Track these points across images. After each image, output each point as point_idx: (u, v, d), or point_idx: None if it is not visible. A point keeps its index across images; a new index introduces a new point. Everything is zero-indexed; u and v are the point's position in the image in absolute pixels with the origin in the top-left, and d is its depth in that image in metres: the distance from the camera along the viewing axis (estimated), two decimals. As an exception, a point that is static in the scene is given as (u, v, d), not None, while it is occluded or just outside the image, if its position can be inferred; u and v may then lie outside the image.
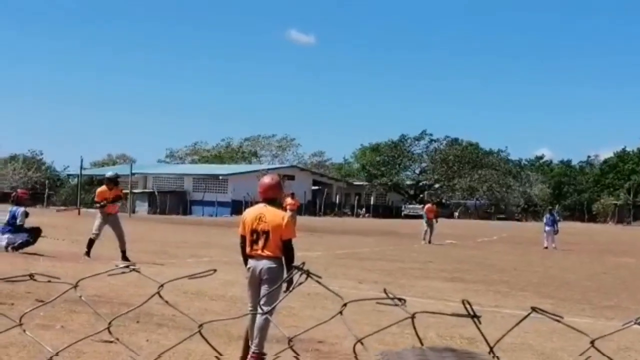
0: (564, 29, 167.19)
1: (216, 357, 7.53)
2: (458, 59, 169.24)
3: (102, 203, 20.49)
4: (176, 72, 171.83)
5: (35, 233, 21.12)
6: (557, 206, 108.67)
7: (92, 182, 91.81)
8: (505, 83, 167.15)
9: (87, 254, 20.00)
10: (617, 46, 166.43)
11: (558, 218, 43.88)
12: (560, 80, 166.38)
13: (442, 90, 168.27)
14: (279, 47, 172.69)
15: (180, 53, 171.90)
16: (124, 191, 25.72)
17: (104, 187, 21.06)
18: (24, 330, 2.51)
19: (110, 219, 20.52)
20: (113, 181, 21.50)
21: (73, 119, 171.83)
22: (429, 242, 38.67)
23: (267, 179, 10.05)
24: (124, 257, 19.62)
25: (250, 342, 9.27)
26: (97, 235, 20.44)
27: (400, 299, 1.58)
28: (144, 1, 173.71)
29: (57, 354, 2.50)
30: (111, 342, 9.33)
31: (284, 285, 9.23)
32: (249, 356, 9.11)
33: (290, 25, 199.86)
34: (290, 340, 2.09)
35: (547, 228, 40.23)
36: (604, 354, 1.78)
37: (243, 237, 9.63)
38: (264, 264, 9.35)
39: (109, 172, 24.56)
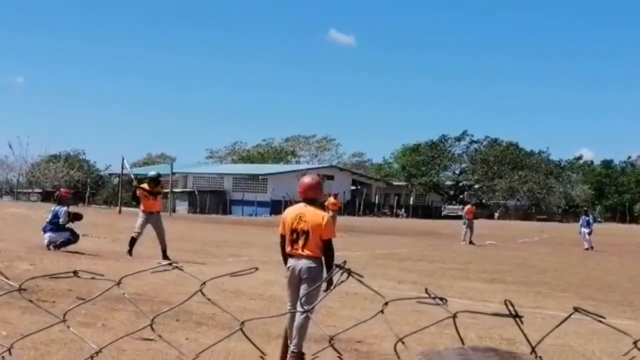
0: (602, 28, 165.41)
1: (260, 357, 7.54)
2: (499, 60, 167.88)
3: (140, 189, 20.78)
4: (218, 75, 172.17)
5: (76, 219, 21.22)
6: (598, 207, 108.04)
7: (134, 181, 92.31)
8: (546, 84, 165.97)
9: (129, 252, 20.06)
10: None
11: (599, 219, 43.86)
12: (601, 81, 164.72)
13: (483, 91, 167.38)
14: (320, 48, 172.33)
15: (223, 56, 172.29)
16: (165, 190, 25.72)
17: (144, 185, 21.15)
18: (68, 327, 2.52)
19: (152, 218, 20.55)
20: (155, 181, 21.57)
21: (115, 118, 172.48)
22: (470, 242, 38.63)
23: (307, 179, 10.05)
24: (165, 256, 19.66)
25: (289, 342, 9.28)
26: (139, 234, 20.45)
27: (441, 299, 1.57)
28: (195, 5, 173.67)
29: (99, 352, 2.51)
30: (151, 340, 9.39)
31: (324, 285, 9.23)
32: (288, 355, 9.13)
33: (331, 26, 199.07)
34: (331, 338, 2.09)
35: (582, 229, 40.51)
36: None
37: (283, 237, 9.64)
38: (304, 263, 9.35)
39: (151, 172, 24.53)
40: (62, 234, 20.74)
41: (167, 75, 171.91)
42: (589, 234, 39.92)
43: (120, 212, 58.48)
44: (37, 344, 8.82)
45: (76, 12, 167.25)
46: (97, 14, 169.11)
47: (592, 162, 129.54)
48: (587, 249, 38.70)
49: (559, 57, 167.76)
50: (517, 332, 1.64)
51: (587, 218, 40.91)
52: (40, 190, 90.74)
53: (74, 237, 20.85)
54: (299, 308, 9.12)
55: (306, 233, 9.39)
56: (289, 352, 9.14)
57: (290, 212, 9.82)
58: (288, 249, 9.55)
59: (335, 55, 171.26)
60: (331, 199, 39.60)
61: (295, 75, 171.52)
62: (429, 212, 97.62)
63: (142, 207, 20.85)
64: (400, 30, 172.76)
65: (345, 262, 2.07)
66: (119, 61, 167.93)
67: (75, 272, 2.06)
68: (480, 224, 41.66)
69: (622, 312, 15.63)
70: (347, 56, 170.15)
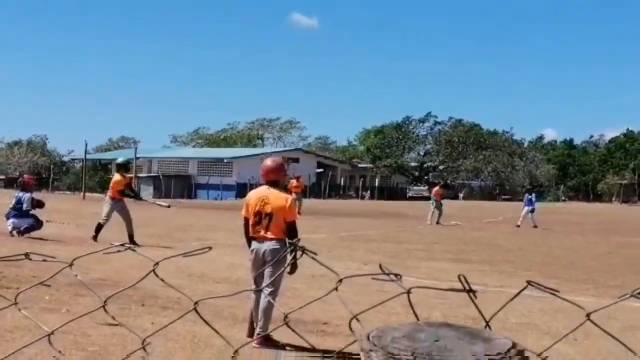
0: (562, 7, 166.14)
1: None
2: (461, 41, 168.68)
3: (132, 193, 20.82)
4: (177, 59, 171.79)
5: (39, 206, 21.20)
6: (561, 186, 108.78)
7: (96, 167, 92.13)
8: (509, 65, 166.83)
9: (95, 238, 20.10)
10: (621, 29, 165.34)
11: (563, 198, 44.23)
12: (563, 61, 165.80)
13: (447, 72, 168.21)
14: (283, 31, 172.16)
15: (183, 40, 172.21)
16: (129, 175, 25.80)
17: (118, 177, 21.13)
18: (19, 310, 2.51)
19: (119, 205, 20.60)
20: (124, 167, 21.76)
21: (75, 104, 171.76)
22: (437, 222, 38.91)
23: (269, 162, 10.04)
24: (132, 242, 19.61)
25: (255, 324, 9.30)
26: (106, 220, 20.55)
27: (396, 275, 1.57)
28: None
29: (52, 333, 2.50)
30: (116, 324, 9.36)
31: (289, 267, 9.26)
32: (254, 337, 9.13)
33: (294, 9, 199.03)
34: (285, 316, 2.09)
35: (525, 208, 41.10)
36: (601, 328, 1.78)
37: (246, 219, 9.66)
38: (268, 245, 9.36)
39: (119, 157, 24.50)
40: (26, 220, 20.75)
41: (127, 60, 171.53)
42: (532, 211, 40.48)
43: (84, 197, 58.21)
44: (1, 331, 8.78)
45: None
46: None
47: (555, 141, 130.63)
48: (535, 226, 39.19)
49: (520, 38, 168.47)
50: (483, 310, 1.65)
51: (530, 197, 41.53)
52: (3, 177, 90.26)
53: (37, 223, 20.86)
54: (264, 290, 9.14)
55: (269, 215, 9.41)
56: (255, 333, 9.15)
57: (253, 195, 9.83)
58: (251, 231, 9.55)
59: (298, 38, 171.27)
60: (293, 182, 39.76)
61: (259, 59, 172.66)
62: (394, 193, 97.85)
63: (110, 193, 20.88)
64: (363, 12, 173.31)
65: (299, 239, 2.08)
66: (80, 47, 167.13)
67: (26, 255, 2.05)
68: (445, 204, 41.80)
69: (586, 290, 15.76)
70: (310, 39, 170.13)
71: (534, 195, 42.66)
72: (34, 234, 20.60)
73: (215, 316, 9.91)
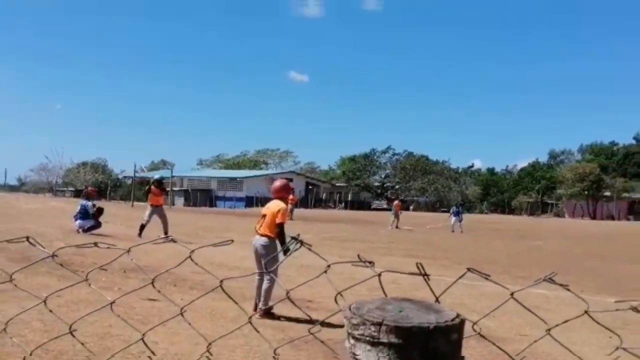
0: (482, 67, 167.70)
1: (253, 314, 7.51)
2: (414, 92, 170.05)
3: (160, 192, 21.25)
4: (210, 103, 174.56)
5: (99, 214, 21.29)
6: (484, 203, 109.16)
7: (143, 182, 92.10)
8: (445, 110, 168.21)
9: (140, 235, 20.17)
10: (518, 83, 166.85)
11: (485, 211, 44.25)
12: (488, 109, 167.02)
13: (403, 116, 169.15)
14: (283, 85, 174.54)
15: (212, 89, 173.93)
16: (167, 189, 26.40)
17: (152, 187, 21.37)
18: (89, 285, 2.49)
19: (157, 210, 20.92)
20: (158, 182, 21.80)
21: (129, 134, 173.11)
22: (396, 227, 39.09)
23: (277, 183, 9.99)
24: (166, 238, 19.62)
25: (257, 301, 9.27)
26: (148, 221, 20.75)
27: (370, 262, 1.56)
28: (188, 51, 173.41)
29: (114, 302, 2.48)
30: (155, 300, 9.32)
31: (281, 256, 9.27)
32: (257, 310, 9.11)
33: (290, 68, 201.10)
34: (287, 292, 2.07)
35: (453, 218, 41.12)
36: (522, 304, 1.77)
37: None
38: (259, 240, 9.39)
39: (155, 175, 24.86)
40: (89, 221, 20.87)
41: (169, 103, 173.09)
42: (460, 221, 40.42)
43: (132, 205, 58.15)
44: (68, 303, 8.72)
45: (94, 47, 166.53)
46: (117, 47, 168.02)
47: (480, 169, 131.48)
48: (453, 231, 39.14)
49: (448, 94, 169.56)
50: (428, 294, 1.64)
51: (457, 209, 41.61)
52: (72, 189, 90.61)
53: (97, 224, 21.05)
54: (264, 276, 9.13)
55: (265, 217, 9.44)
56: (258, 308, 9.12)
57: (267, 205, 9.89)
58: (255, 230, 9.59)
59: (293, 89, 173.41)
60: (290, 196, 39.83)
61: (266, 103, 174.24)
62: (362, 205, 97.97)
63: (149, 201, 21.17)
64: (341, 71, 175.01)
65: (299, 234, 2.06)
66: (125, 89, 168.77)
67: (95, 243, 2.04)
68: (400, 214, 41.94)
69: (503, 279, 15.75)
70: (302, 90, 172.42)
71: (460, 207, 42.94)
72: (95, 231, 20.68)
73: (229, 295, 9.86)
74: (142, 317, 8.42)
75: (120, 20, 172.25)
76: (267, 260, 9.13)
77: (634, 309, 1.48)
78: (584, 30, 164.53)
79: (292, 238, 2.02)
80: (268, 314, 9.03)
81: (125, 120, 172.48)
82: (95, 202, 21.91)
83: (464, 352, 1.31)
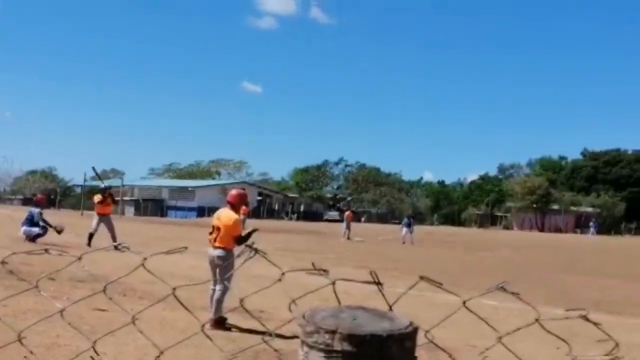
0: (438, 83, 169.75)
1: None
2: (365, 104, 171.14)
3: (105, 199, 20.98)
4: (162, 108, 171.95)
5: (58, 230, 21.01)
6: (435, 215, 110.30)
7: (92, 191, 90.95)
8: (398, 121, 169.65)
9: (88, 244, 19.98)
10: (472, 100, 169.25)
11: (435, 222, 44.78)
12: (438, 121, 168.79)
13: (355, 127, 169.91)
14: (237, 95, 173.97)
15: (166, 98, 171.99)
16: (117, 198, 26.52)
17: (98, 196, 21.35)
18: (40, 291, 2.44)
19: (104, 219, 20.73)
20: (102, 190, 21.64)
21: (79, 141, 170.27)
22: (348, 238, 39.09)
23: (234, 191, 10.15)
24: (116, 248, 19.43)
25: (209, 311, 9.21)
26: (96, 230, 20.61)
27: (324, 270, 1.57)
28: (140, 58, 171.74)
29: (64, 309, 2.43)
30: (104, 310, 9.18)
31: (237, 263, 9.25)
32: (208, 321, 9.04)
33: (243, 78, 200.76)
34: (241, 300, 2.06)
35: (404, 229, 40.81)
36: (474, 313, 1.79)
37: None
38: (216, 252, 9.38)
39: (105, 183, 24.70)
40: (35, 229, 20.53)
41: (119, 110, 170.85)
42: (411, 232, 40.18)
43: (82, 214, 57.42)
44: (16, 312, 8.57)
45: (44, 55, 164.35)
46: (62, 55, 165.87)
47: (431, 181, 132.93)
48: (404, 243, 39.00)
49: (400, 106, 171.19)
50: (379, 304, 1.65)
51: (408, 221, 41.64)
52: (21, 197, 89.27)
53: (43, 231, 20.69)
54: (217, 285, 9.09)
55: (219, 229, 9.40)
56: (209, 318, 9.06)
57: (215, 214, 9.87)
58: (209, 240, 9.55)
59: (247, 100, 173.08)
60: (242, 207, 39.62)
61: (220, 113, 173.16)
62: (315, 216, 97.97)
63: (96, 210, 21.10)
64: (294, 82, 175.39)
65: (253, 242, 2.06)
66: (76, 97, 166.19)
67: (46, 250, 2.00)
68: (352, 225, 42.04)
69: (453, 290, 15.90)
70: (256, 101, 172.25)
71: (412, 219, 43.10)
72: (41, 240, 20.32)
73: (179, 305, 9.75)
74: (90, 327, 8.28)
75: (67, 27, 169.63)
76: (223, 271, 9.11)
77: (584, 317, 1.50)
78: (533, 46, 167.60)
79: (247, 246, 2.01)
80: (219, 324, 8.97)
81: (76, 128, 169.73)
82: (44, 210, 21.56)
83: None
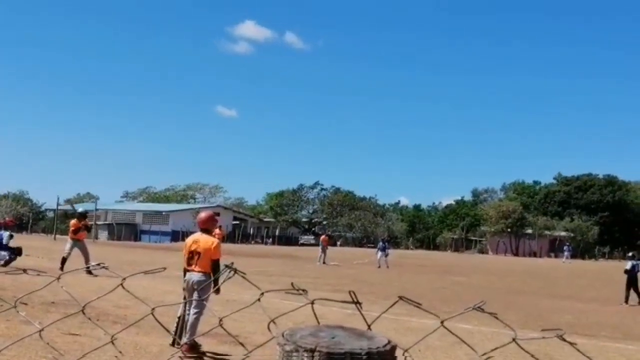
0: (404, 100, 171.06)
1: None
2: (339, 130, 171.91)
3: (80, 228, 20.86)
4: (138, 132, 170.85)
5: (17, 251, 20.65)
6: (410, 239, 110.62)
7: (66, 215, 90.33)
8: (372, 146, 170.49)
9: (61, 268, 19.69)
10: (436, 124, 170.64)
11: (411, 247, 44.97)
12: (410, 145, 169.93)
13: (330, 152, 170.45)
14: (211, 119, 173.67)
15: (138, 117, 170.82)
16: (90, 223, 26.56)
17: (74, 220, 21.19)
18: (17, 311, 2.42)
19: (78, 244, 20.62)
20: (83, 216, 21.75)
21: (51, 164, 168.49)
22: (324, 262, 38.96)
23: (203, 214, 10.01)
24: (89, 272, 19.28)
25: (184, 334, 9.12)
26: (69, 254, 20.42)
27: (303, 290, 1.58)
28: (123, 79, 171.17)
29: (42, 330, 2.41)
30: (77, 334, 9.08)
31: (213, 294, 9.18)
32: (182, 345, 8.95)
33: (218, 102, 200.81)
34: (220, 320, 2.06)
35: (379, 253, 40.96)
36: (454, 334, 1.80)
37: (185, 256, 9.58)
38: (196, 277, 9.30)
39: (79, 209, 24.63)
40: (4, 253, 20.16)
41: (93, 132, 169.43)
42: (386, 256, 40.31)
43: (55, 238, 56.88)
44: (-14, 339, 8.43)
45: (15, 76, 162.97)
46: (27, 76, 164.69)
47: (407, 206, 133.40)
48: (379, 267, 39.08)
49: (374, 130, 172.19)
50: (356, 323, 1.65)
51: (383, 245, 41.77)
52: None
53: (13, 255, 20.28)
54: (192, 310, 9.01)
55: (199, 254, 9.34)
56: (182, 343, 8.97)
57: (190, 239, 9.81)
58: (186, 265, 9.48)
59: (222, 124, 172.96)
60: (217, 230, 39.38)
61: (195, 137, 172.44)
62: (290, 241, 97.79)
63: (71, 235, 20.88)
64: (269, 107, 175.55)
65: (232, 262, 2.06)
66: (50, 119, 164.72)
67: (24, 270, 1.98)
68: (328, 249, 41.98)
69: (426, 315, 15.92)
70: (231, 125, 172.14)
71: (387, 243, 43.17)
72: (13, 264, 19.99)
73: (152, 329, 9.68)
74: (63, 351, 8.18)
75: (36, 44, 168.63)
76: (200, 295, 9.04)
77: (560, 337, 1.52)
78: (509, 69, 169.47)
79: (226, 266, 2.01)
80: (193, 348, 8.89)
81: (49, 152, 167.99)
82: (13, 233, 21.25)
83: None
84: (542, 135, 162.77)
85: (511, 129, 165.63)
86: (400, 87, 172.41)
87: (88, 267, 14.88)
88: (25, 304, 11.39)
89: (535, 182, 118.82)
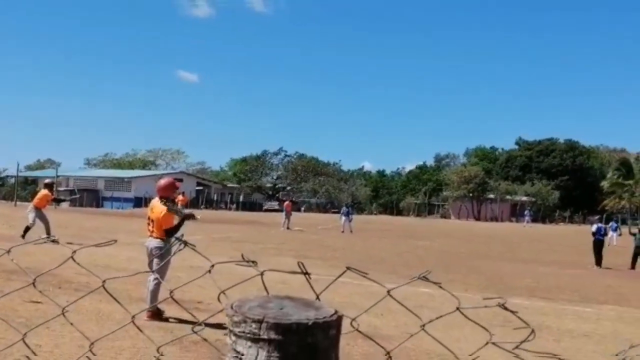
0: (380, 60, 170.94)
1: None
2: (309, 91, 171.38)
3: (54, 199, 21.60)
4: (97, 96, 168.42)
5: None
6: (374, 204, 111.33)
7: (27, 181, 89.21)
8: (334, 111, 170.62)
9: (23, 236, 19.69)
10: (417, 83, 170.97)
11: (374, 212, 45.36)
12: (378, 107, 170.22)
13: (295, 116, 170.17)
14: (173, 83, 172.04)
15: (100, 86, 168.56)
16: (61, 197, 26.87)
17: (46, 191, 21.02)
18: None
19: (40, 212, 20.45)
20: (50, 186, 21.60)
21: (12, 129, 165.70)
22: (288, 228, 39.03)
23: (162, 181, 9.99)
24: (52, 240, 19.20)
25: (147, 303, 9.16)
26: (33, 224, 20.27)
27: (253, 262, 1.62)
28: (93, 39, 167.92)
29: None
30: (38, 302, 9.06)
31: (171, 251, 9.26)
32: (144, 312, 8.98)
33: (179, 67, 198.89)
34: (171, 292, 2.09)
35: (343, 218, 41.62)
36: (399, 302, 1.85)
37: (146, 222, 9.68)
38: (152, 243, 9.40)
39: (47, 179, 24.41)
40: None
41: (60, 95, 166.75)
42: (350, 221, 40.91)
43: (15, 205, 56.28)
44: (-55, 307, 8.37)
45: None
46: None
47: (371, 171, 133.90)
48: (343, 231, 39.56)
49: (338, 95, 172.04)
50: (318, 289, 1.70)
51: (347, 210, 42.19)
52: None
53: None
54: (151, 276, 9.03)
55: (153, 221, 9.40)
56: (145, 311, 8.99)
57: (150, 204, 9.82)
58: (146, 231, 9.55)
59: (183, 89, 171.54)
60: (180, 197, 39.39)
61: (157, 102, 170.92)
62: (254, 207, 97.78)
63: (35, 203, 20.77)
64: (231, 71, 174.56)
65: (182, 235, 2.09)
66: (9, 84, 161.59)
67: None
68: (291, 215, 42.05)
69: (390, 278, 16.12)
70: (192, 90, 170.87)
71: (350, 208, 43.45)
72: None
73: (116, 296, 9.69)
74: (25, 319, 8.17)
75: (9, 15, 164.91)
76: (159, 262, 9.08)
77: (502, 305, 1.58)
78: (469, 34, 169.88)
79: (176, 239, 2.04)
80: (156, 315, 8.93)
81: (10, 117, 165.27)
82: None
83: (350, 349, 1.37)
84: (503, 99, 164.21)
85: (474, 94, 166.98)
86: (364, 48, 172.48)
87: (47, 237, 14.81)
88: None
89: (493, 148, 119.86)
